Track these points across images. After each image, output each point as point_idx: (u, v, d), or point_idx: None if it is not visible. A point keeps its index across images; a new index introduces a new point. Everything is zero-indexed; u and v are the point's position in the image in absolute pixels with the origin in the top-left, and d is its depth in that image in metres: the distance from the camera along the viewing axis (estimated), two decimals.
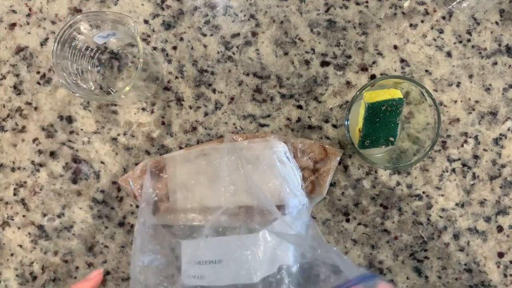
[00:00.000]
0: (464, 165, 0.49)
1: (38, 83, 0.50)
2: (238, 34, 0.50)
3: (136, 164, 0.49)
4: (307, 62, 0.49)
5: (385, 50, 0.49)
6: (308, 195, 0.48)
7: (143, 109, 0.50)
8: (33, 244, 0.50)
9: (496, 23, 0.49)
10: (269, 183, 0.45)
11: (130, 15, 0.49)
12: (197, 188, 0.46)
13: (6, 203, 0.50)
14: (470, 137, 0.49)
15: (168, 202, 0.47)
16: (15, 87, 0.50)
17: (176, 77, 0.50)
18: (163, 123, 0.50)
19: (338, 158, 0.48)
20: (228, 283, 0.44)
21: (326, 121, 0.49)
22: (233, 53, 0.49)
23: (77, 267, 0.50)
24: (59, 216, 0.50)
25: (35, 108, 0.50)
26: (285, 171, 0.46)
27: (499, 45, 0.49)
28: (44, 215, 0.50)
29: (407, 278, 0.49)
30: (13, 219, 0.50)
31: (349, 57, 0.49)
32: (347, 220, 0.49)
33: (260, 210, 0.45)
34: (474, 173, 0.49)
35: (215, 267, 0.45)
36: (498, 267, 0.49)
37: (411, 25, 0.49)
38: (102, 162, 0.50)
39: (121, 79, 0.50)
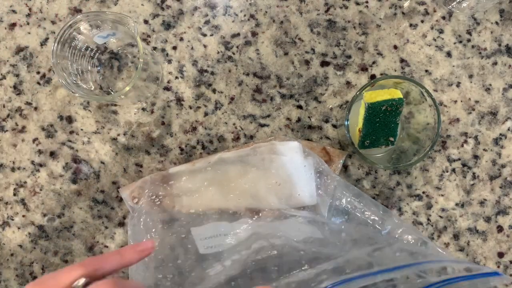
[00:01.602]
0: (464, 165, 0.49)
1: (38, 83, 0.50)
2: (238, 34, 0.50)
3: (137, 165, 0.49)
4: (307, 62, 0.49)
5: (385, 50, 0.49)
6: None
7: (143, 109, 0.50)
8: (33, 244, 0.50)
9: (496, 23, 0.49)
10: (277, 185, 0.45)
11: (130, 15, 0.49)
12: (205, 194, 0.46)
13: (6, 203, 0.50)
14: (470, 137, 0.49)
15: (172, 202, 0.47)
16: (15, 87, 0.50)
17: (176, 77, 0.50)
18: (163, 123, 0.50)
19: (342, 161, 0.48)
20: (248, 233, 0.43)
21: (326, 121, 0.49)
22: (233, 53, 0.49)
23: None
24: (59, 216, 0.50)
25: (35, 108, 0.50)
26: (294, 172, 0.45)
27: (499, 45, 0.49)
28: (44, 215, 0.50)
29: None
30: (13, 219, 0.50)
31: (349, 57, 0.49)
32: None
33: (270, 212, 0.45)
34: (474, 173, 0.49)
35: (230, 236, 0.44)
36: (498, 267, 0.49)
37: (411, 25, 0.49)
38: (102, 162, 0.50)
39: (121, 79, 0.50)
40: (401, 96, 0.44)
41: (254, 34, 0.50)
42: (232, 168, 0.46)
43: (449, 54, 0.49)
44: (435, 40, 0.49)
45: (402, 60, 0.49)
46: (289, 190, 0.45)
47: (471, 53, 0.49)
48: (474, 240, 0.49)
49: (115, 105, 0.50)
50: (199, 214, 0.46)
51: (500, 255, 0.49)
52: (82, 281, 0.27)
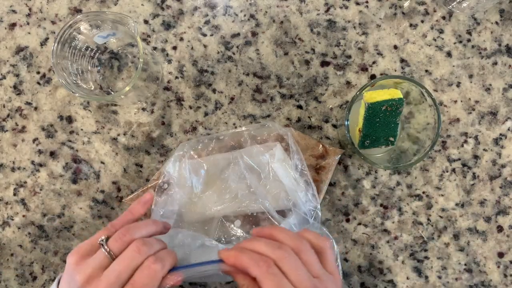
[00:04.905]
0: (464, 165, 0.49)
1: (38, 83, 0.50)
2: (238, 34, 0.50)
3: (137, 165, 0.49)
4: (307, 62, 0.49)
5: (385, 50, 0.49)
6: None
7: (143, 109, 0.50)
8: (33, 244, 0.50)
9: (496, 23, 0.49)
10: (270, 189, 0.45)
11: (130, 15, 0.49)
12: (202, 197, 0.46)
13: (6, 203, 0.50)
14: (470, 137, 0.49)
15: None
16: (15, 87, 0.50)
17: (176, 77, 0.50)
18: (163, 123, 0.50)
19: (338, 157, 0.48)
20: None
21: (326, 121, 0.49)
22: (233, 53, 0.49)
23: None
24: (59, 216, 0.50)
25: (35, 108, 0.50)
26: (285, 176, 0.45)
27: (499, 45, 0.49)
28: (44, 215, 0.50)
29: (407, 278, 0.49)
30: (13, 219, 0.50)
31: (349, 57, 0.49)
32: (347, 220, 0.49)
33: (264, 217, 0.46)
34: (474, 173, 0.49)
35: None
36: (498, 267, 0.49)
37: (411, 25, 0.49)
38: (102, 162, 0.50)
39: (121, 79, 0.50)
40: (401, 96, 0.44)
41: (254, 34, 0.50)
42: (230, 172, 0.46)
43: (449, 54, 0.49)
44: (435, 40, 0.49)
45: (402, 60, 0.49)
46: (279, 193, 0.45)
47: (471, 53, 0.49)
48: (474, 240, 0.49)
49: (115, 105, 0.50)
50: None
51: (500, 255, 0.49)
52: (103, 237, 0.36)
